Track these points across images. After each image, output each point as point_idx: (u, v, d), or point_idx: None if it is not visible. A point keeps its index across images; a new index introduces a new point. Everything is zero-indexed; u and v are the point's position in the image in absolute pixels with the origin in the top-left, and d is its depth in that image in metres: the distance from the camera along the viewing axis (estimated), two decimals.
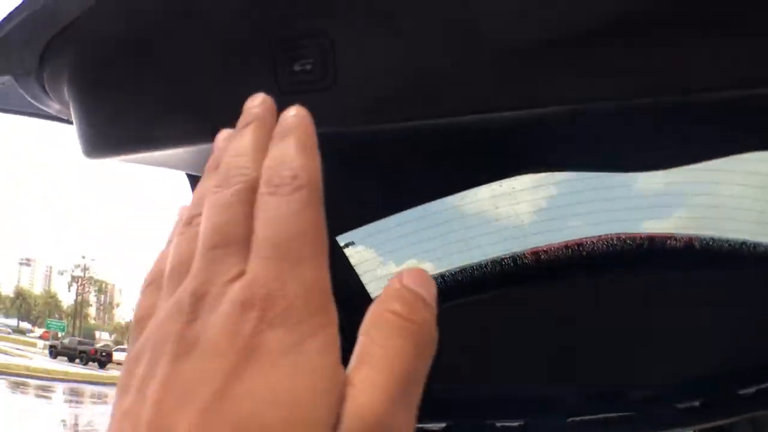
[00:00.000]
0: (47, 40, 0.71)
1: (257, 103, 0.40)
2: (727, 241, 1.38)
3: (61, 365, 40.24)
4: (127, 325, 73.68)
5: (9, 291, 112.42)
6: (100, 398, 26.12)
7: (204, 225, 0.36)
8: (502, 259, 1.47)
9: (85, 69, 0.75)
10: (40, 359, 41.29)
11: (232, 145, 0.39)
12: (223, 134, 0.42)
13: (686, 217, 1.47)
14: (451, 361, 1.14)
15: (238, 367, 0.31)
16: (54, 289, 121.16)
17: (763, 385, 1.62)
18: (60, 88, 0.78)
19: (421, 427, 1.78)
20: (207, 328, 0.32)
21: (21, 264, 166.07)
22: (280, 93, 0.60)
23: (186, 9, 0.66)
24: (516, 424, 1.70)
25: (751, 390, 1.63)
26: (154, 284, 0.39)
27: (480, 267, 1.53)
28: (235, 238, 0.35)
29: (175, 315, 0.33)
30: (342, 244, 1.39)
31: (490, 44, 0.61)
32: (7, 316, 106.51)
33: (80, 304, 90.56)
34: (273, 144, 0.38)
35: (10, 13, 0.66)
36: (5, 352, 39.58)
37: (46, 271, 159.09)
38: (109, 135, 0.77)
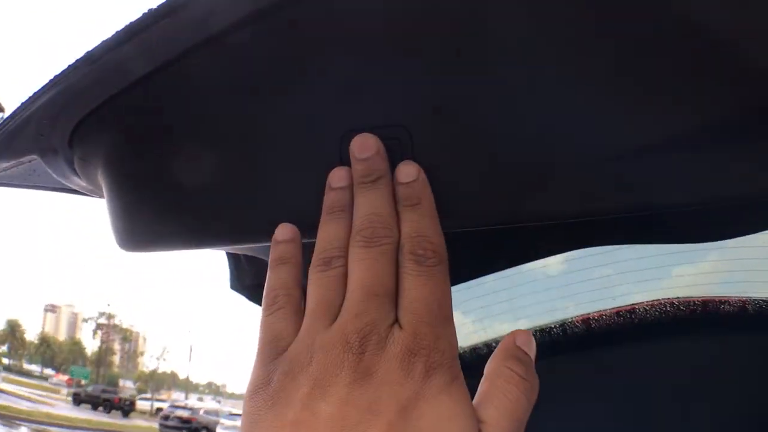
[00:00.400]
0: (78, 120, 0.62)
1: (374, 152, 0.45)
2: None
3: (84, 413, 40.10)
4: (151, 374, 73.60)
5: (34, 337, 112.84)
6: None
7: (361, 273, 0.43)
8: (551, 328, 1.42)
9: (123, 156, 0.64)
10: (63, 406, 41.16)
11: (367, 199, 0.46)
12: (338, 175, 0.47)
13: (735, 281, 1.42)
14: None
15: (414, 396, 0.39)
16: (79, 336, 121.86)
17: None
18: (92, 171, 0.68)
19: None
20: (380, 363, 0.40)
21: (46, 310, 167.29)
22: None
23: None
24: None
25: None
26: (282, 311, 0.46)
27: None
28: (388, 290, 0.43)
29: (342, 347, 0.41)
30: None
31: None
32: (30, 362, 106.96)
33: (104, 352, 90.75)
34: (406, 210, 0.45)
35: (38, 91, 0.57)
36: (28, 399, 39.49)
37: (71, 317, 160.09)
38: (150, 232, 0.65)
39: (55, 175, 0.71)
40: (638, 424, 1.43)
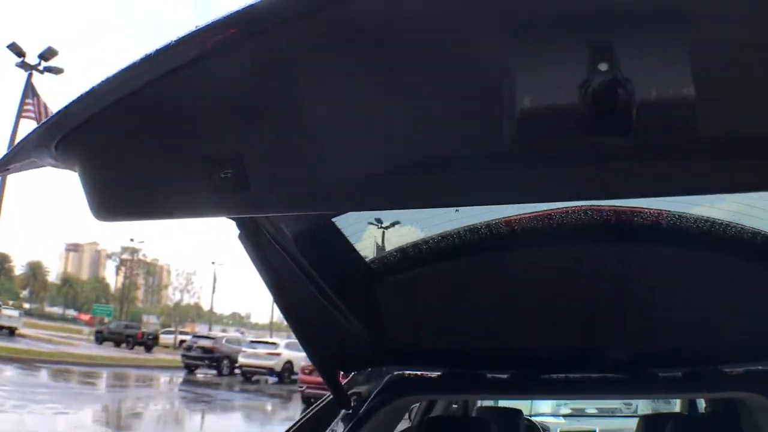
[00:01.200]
0: (59, 139, 1.02)
1: None
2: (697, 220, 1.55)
3: (107, 351, 40.35)
4: (175, 307, 74.25)
5: (56, 278, 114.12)
6: (144, 382, 25.88)
7: None
8: (479, 228, 1.62)
9: (95, 158, 1.10)
10: (85, 346, 41.41)
11: None
12: None
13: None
14: (447, 318, 1.79)
15: None
16: (102, 273, 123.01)
17: (751, 367, 2.10)
18: (71, 165, 1.11)
19: (422, 374, 2.37)
20: None
21: (68, 250, 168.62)
22: (214, 190, 1.03)
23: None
24: (503, 376, 2.28)
25: (739, 370, 2.12)
26: None
27: (459, 234, 1.77)
28: None
29: None
30: None
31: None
32: (52, 304, 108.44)
33: (128, 288, 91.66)
34: None
35: (28, 135, 1.04)
36: (50, 341, 39.69)
37: (94, 255, 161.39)
38: (116, 205, 1.17)
39: (40, 163, 1.13)
40: (562, 317, 1.90)
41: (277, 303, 1.88)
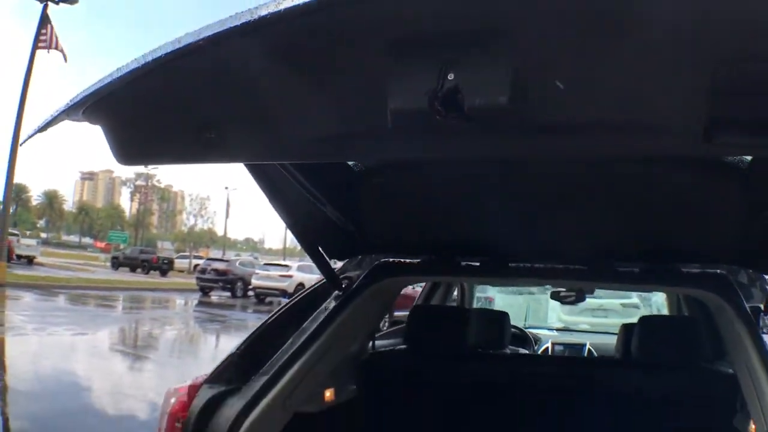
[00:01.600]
0: (86, 107, 1.37)
1: None
2: None
3: (123, 276, 41.06)
4: (189, 232, 74.96)
5: (72, 207, 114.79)
6: (160, 304, 26.47)
7: None
8: None
9: (115, 121, 1.50)
10: (101, 272, 42.14)
11: None
12: None
13: None
14: (425, 214, 2.35)
15: None
16: (117, 201, 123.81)
17: (707, 270, 2.42)
18: (96, 123, 1.49)
19: (402, 261, 2.78)
20: None
21: (83, 178, 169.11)
22: (203, 146, 1.45)
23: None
24: (475, 263, 2.70)
25: (695, 270, 2.45)
26: None
27: None
28: None
29: None
30: None
31: None
32: (69, 233, 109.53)
33: (142, 214, 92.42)
34: None
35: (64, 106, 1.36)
36: (67, 268, 40.39)
37: (109, 183, 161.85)
38: (131, 154, 1.62)
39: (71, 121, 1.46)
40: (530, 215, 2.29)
41: (275, 209, 2.25)
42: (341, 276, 2.77)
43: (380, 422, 3.23)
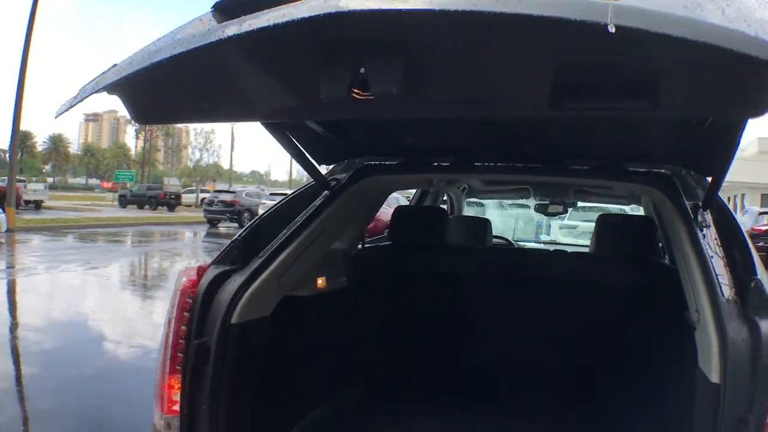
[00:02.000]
0: (108, 88, 1.74)
1: None
2: None
3: (131, 213, 41.35)
4: (195, 167, 74.98)
5: (77, 149, 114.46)
6: (168, 236, 26.79)
7: None
8: None
9: (131, 91, 1.90)
10: (109, 210, 42.45)
11: None
12: None
13: None
14: (400, 122, 2.82)
15: None
16: (122, 140, 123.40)
17: (653, 169, 2.71)
18: (115, 94, 1.86)
19: (383, 162, 3.22)
20: None
21: (88, 120, 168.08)
22: (200, 112, 1.99)
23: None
24: (445, 163, 3.18)
25: (641, 168, 2.75)
26: None
27: None
28: None
29: None
30: None
31: None
32: (75, 175, 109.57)
33: (148, 151, 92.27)
34: None
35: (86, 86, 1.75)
36: (75, 210, 40.70)
37: (113, 123, 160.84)
38: (145, 117, 2.12)
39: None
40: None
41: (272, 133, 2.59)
42: (330, 178, 3.15)
43: (365, 306, 3.69)
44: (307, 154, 2.90)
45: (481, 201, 6.66)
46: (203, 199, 49.80)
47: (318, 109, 1.96)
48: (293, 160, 2.92)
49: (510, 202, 6.80)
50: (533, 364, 3.50)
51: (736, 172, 42.48)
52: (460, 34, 1.39)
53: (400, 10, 1.25)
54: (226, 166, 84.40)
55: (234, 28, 1.45)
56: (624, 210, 6.11)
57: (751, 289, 1.95)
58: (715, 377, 1.86)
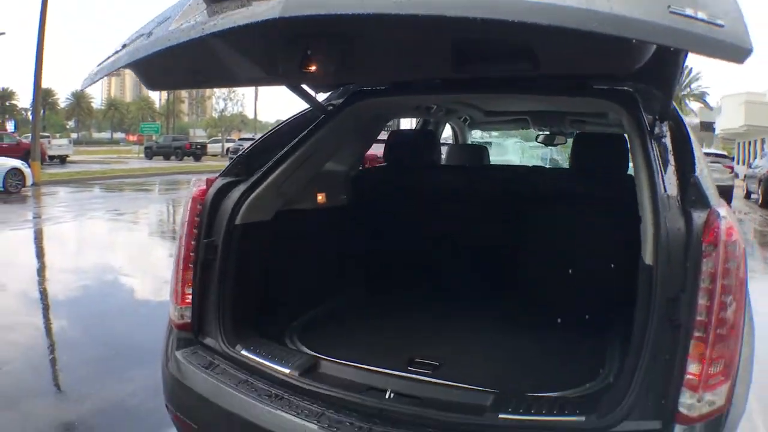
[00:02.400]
0: (122, 67, 2.21)
1: None
2: None
3: (158, 164, 41.57)
4: (220, 117, 75.01)
5: (101, 104, 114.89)
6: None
7: None
8: None
9: (142, 67, 2.42)
10: (136, 162, 42.70)
11: None
12: None
13: None
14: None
15: None
16: (146, 93, 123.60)
17: (615, 87, 3.05)
18: (128, 68, 2.32)
19: (373, 87, 3.50)
20: None
21: (110, 75, 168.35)
22: (196, 81, 3.12)
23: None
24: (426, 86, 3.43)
25: (604, 86, 3.06)
26: None
27: None
28: None
29: None
30: None
31: None
32: (99, 130, 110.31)
33: (172, 103, 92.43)
34: None
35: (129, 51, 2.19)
36: (101, 163, 40.96)
37: (136, 76, 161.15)
38: (154, 85, 2.67)
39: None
40: None
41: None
42: (327, 104, 3.45)
43: (362, 220, 4.06)
44: (305, 86, 3.26)
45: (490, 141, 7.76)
46: (228, 148, 49.93)
47: (277, 80, 2.73)
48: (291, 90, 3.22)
49: (515, 140, 7.67)
50: (513, 264, 3.81)
51: (757, 117, 41.99)
52: (384, 27, 1.90)
53: (338, 15, 1.62)
54: (250, 115, 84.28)
55: (218, 23, 1.85)
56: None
57: (690, 185, 2.16)
58: (648, 260, 2.11)
